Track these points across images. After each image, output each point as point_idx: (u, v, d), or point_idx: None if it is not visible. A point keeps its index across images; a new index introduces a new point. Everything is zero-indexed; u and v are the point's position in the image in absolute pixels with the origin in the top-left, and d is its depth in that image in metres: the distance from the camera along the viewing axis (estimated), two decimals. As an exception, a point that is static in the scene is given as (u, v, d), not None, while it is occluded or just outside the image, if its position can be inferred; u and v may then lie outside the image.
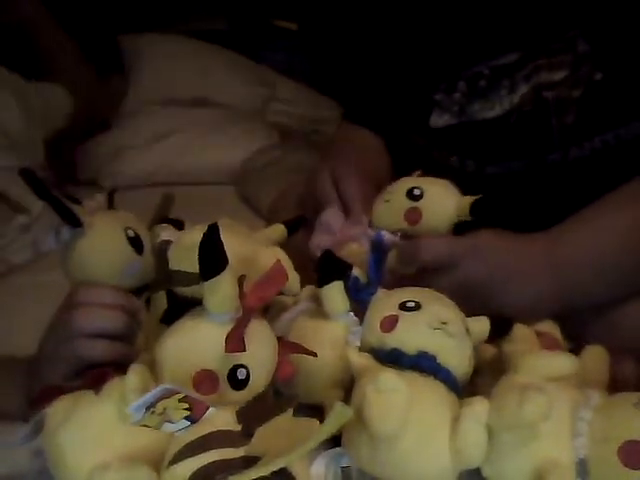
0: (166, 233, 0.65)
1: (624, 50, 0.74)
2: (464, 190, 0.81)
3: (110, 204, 0.65)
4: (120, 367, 0.57)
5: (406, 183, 0.73)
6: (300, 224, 0.70)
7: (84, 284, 0.60)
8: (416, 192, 0.71)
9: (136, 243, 0.62)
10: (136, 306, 0.60)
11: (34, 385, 0.59)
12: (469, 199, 0.70)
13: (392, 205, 0.71)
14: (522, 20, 0.78)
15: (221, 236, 0.46)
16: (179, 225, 0.70)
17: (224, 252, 0.47)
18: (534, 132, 0.78)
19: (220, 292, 0.47)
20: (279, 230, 0.68)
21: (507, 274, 0.63)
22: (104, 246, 0.60)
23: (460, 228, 0.71)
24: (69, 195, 0.61)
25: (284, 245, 0.66)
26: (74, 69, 1.64)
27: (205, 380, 0.48)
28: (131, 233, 0.62)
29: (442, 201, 0.71)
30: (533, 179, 0.79)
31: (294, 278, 0.62)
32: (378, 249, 0.60)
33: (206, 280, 0.47)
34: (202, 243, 0.46)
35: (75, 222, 0.58)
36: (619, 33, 0.74)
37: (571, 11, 0.75)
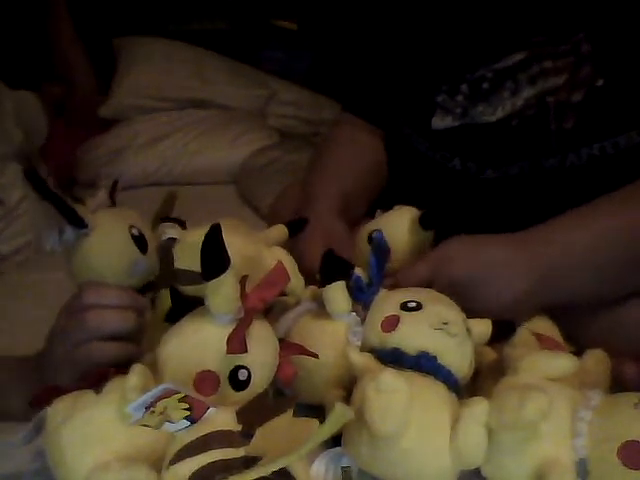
0: (172, 231, 0.65)
1: (627, 57, 0.73)
2: (465, 194, 0.81)
3: (112, 200, 0.64)
4: (122, 367, 0.57)
5: (365, 230, 0.74)
6: (302, 225, 0.70)
7: (90, 284, 0.59)
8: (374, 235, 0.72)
9: (140, 242, 0.61)
10: (143, 305, 0.60)
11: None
12: (417, 215, 0.71)
13: (363, 256, 0.69)
14: (527, 22, 0.78)
15: (224, 236, 0.46)
16: (181, 224, 0.70)
17: (226, 253, 0.46)
18: (533, 136, 0.78)
19: (222, 293, 0.47)
20: (281, 231, 0.67)
21: (482, 277, 0.63)
22: (109, 246, 0.60)
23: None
24: (72, 194, 0.61)
25: (285, 246, 0.66)
26: (84, 66, 1.77)
27: (206, 381, 0.48)
28: (135, 232, 0.61)
29: (398, 228, 0.72)
30: (531, 184, 0.79)
31: (298, 280, 0.62)
32: (379, 250, 0.60)
33: (208, 281, 0.47)
34: (204, 244, 0.46)
35: (79, 223, 0.58)
36: (622, 39, 0.73)
37: (576, 13, 0.75)
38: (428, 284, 0.60)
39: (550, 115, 0.76)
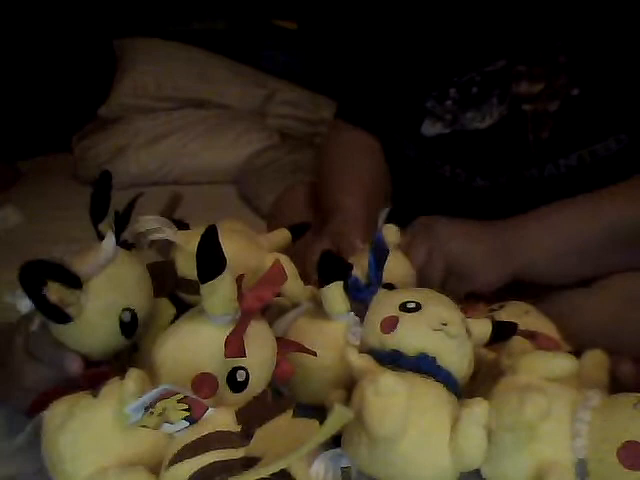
0: (168, 230, 0.61)
1: (602, 66, 0.73)
2: (455, 201, 0.81)
3: (130, 208, 0.57)
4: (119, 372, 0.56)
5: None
6: (305, 229, 0.70)
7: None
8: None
9: (129, 327, 0.55)
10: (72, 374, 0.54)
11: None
12: None
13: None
14: (512, 27, 0.78)
15: (220, 238, 0.46)
16: (184, 226, 0.67)
17: (222, 254, 0.46)
18: (513, 146, 0.77)
19: (219, 294, 0.46)
20: (284, 235, 0.67)
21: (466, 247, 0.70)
22: (92, 336, 0.54)
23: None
24: (65, 270, 0.51)
25: (288, 250, 0.66)
26: None
27: (204, 383, 0.47)
28: (127, 317, 0.54)
29: None
30: (516, 194, 0.79)
31: (298, 286, 0.62)
32: (378, 249, 0.60)
33: (204, 282, 0.46)
34: (200, 245, 0.46)
35: (62, 319, 0.52)
36: (598, 49, 0.73)
37: (553, 21, 0.75)
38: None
39: (528, 125, 0.76)
